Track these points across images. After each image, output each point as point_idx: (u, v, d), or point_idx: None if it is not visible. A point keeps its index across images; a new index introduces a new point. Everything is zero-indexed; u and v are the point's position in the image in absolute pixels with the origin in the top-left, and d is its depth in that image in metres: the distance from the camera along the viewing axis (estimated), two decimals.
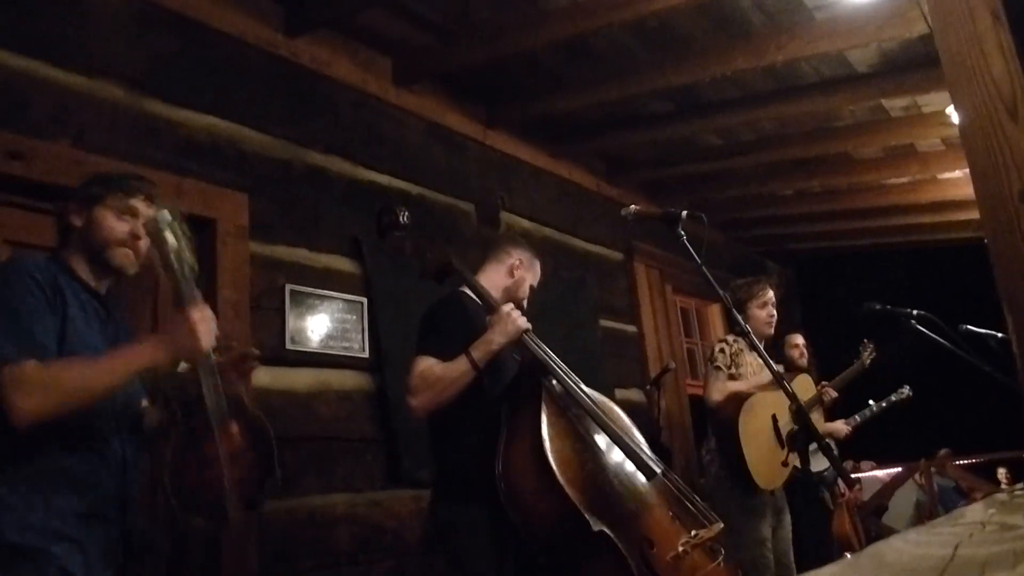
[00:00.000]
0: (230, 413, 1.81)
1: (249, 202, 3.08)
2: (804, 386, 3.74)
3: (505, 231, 4.26)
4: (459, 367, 2.19)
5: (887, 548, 0.84)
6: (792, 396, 2.35)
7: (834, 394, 3.94)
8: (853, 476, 5.48)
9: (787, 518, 3.50)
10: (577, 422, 2.18)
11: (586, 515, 1.99)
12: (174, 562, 2.62)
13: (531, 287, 2.57)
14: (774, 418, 3.42)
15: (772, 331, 3.64)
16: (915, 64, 3.91)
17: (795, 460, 3.40)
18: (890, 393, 4.67)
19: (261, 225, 3.11)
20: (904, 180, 5.67)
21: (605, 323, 4.99)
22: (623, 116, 4.64)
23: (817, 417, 3.54)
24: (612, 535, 2.00)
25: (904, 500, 5.59)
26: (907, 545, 0.85)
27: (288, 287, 3.15)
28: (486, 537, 2.20)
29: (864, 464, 6.12)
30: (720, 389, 3.44)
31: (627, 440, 2.22)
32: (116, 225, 1.83)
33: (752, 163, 5.34)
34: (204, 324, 1.75)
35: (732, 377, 3.49)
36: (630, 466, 2.21)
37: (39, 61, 2.59)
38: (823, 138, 4.93)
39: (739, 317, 2.39)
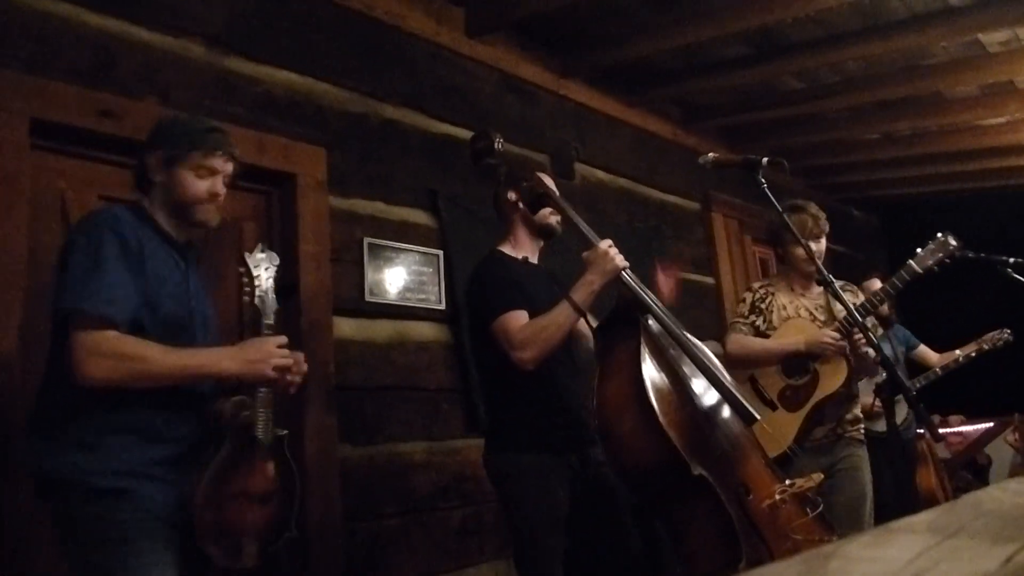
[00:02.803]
0: (271, 452, 1.84)
1: (327, 156, 3.13)
2: (835, 370, 2.85)
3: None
4: (563, 312, 2.17)
5: (985, 496, 0.81)
6: (878, 347, 2.28)
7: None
8: (940, 431, 5.29)
9: (848, 485, 2.87)
10: (675, 363, 2.12)
11: (686, 458, 1.92)
12: None
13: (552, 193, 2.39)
14: (752, 380, 2.95)
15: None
16: None
17: (796, 423, 2.83)
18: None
19: (339, 179, 3.16)
20: (1002, 120, 5.34)
21: (682, 275, 4.93)
22: (700, 61, 4.49)
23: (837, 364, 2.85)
24: (711, 480, 1.94)
25: (1004, 459, 5.38)
26: (1007, 495, 0.83)
27: (366, 240, 3.20)
28: (539, 486, 2.22)
29: (952, 419, 5.90)
30: (735, 340, 3.05)
31: (726, 383, 2.15)
32: (196, 184, 1.88)
33: (836, 106, 5.11)
34: (279, 355, 1.82)
35: (756, 328, 3.04)
36: (727, 410, 2.16)
37: (127, 22, 2.66)
38: (913, 77, 4.67)
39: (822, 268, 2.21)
